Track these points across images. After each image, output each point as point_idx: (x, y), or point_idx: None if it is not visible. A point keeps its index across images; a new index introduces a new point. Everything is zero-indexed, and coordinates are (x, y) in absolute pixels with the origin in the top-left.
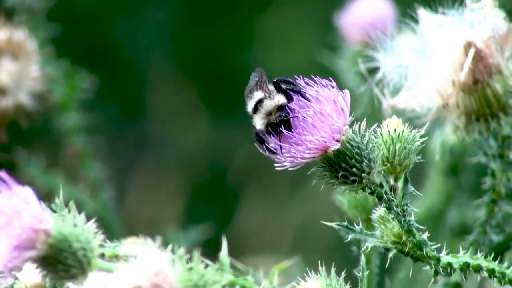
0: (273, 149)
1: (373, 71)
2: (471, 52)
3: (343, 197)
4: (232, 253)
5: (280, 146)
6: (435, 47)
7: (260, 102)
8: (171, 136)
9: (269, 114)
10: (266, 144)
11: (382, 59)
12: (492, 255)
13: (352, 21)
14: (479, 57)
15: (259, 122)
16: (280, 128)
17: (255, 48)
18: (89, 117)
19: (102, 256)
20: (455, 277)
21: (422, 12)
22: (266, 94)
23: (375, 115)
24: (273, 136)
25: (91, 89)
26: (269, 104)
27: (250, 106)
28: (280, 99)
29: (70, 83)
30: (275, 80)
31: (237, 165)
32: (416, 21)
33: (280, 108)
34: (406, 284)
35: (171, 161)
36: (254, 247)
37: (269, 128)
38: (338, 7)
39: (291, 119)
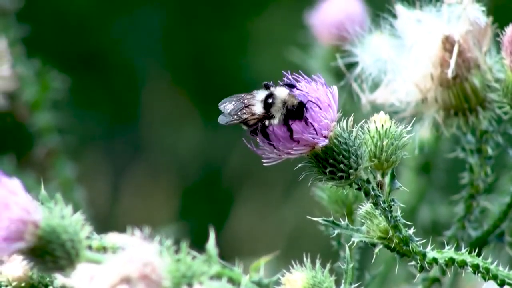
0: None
1: (350, 66)
2: (456, 48)
3: (323, 192)
4: (225, 255)
5: (291, 134)
6: (413, 42)
7: (270, 96)
8: (164, 139)
9: (284, 103)
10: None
11: (360, 54)
12: (476, 250)
13: (323, 20)
14: (457, 51)
15: (277, 115)
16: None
17: (248, 52)
18: (61, 117)
19: (89, 248)
20: (433, 272)
21: (400, 8)
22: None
23: (353, 111)
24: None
25: (62, 89)
26: (282, 92)
27: (258, 108)
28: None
29: (42, 82)
30: (266, 83)
31: (230, 167)
32: (394, 16)
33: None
34: (384, 279)
35: (165, 164)
36: (247, 249)
37: (286, 117)
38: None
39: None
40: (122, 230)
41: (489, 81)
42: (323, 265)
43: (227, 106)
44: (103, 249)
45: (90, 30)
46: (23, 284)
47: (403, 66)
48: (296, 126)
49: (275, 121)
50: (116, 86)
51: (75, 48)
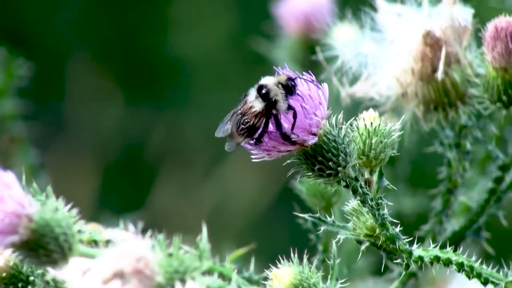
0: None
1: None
2: (444, 50)
3: (302, 185)
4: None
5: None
6: (394, 36)
7: (261, 87)
8: (87, 117)
9: (278, 83)
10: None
11: (340, 48)
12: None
13: (290, 10)
14: (437, 46)
15: (279, 98)
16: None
17: (169, 30)
18: (24, 104)
19: (80, 241)
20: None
21: (381, 1)
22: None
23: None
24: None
25: (27, 76)
26: (270, 79)
27: (257, 104)
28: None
29: (7, 69)
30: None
31: (152, 145)
32: (375, 10)
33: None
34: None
35: (87, 141)
36: (168, 227)
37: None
38: None
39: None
40: None
41: (469, 76)
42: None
43: (226, 128)
44: (94, 243)
45: (10, 7)
46: (3, 274)
47: (383, 60)
48: (286, 121)
49: (281, 105)
50: (38, 64)
51: None
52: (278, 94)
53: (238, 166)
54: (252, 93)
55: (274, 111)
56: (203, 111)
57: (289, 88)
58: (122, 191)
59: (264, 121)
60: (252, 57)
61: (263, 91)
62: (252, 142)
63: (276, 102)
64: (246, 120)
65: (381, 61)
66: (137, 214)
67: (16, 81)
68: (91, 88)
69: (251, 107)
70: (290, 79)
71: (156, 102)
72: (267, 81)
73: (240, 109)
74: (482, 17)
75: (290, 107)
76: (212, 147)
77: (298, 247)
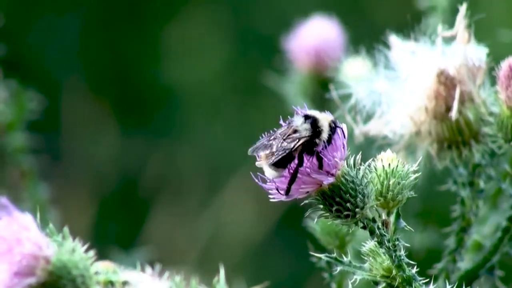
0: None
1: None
2: (458, 89)
3: (316, 223)
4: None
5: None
6: (408, 74)
7: (308, 117)
8: (82, 147)
9: (325, 119)
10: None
11: (354, 86)
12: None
13: (300, 44)
14: (451, 84)
15: (325, 129)
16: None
17: (163, 61)
18: (34, 138)
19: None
20: None
21: (394, 39)
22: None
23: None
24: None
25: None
26: (316, 113)
27: (303, 129)
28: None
29: (18, 102)
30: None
31: (147, 176)
32: (388, 48)
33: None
34: None
35: (82, 173)
36: (162, 258)
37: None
38: (245, 16)
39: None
40: None
41: (483, 114)
42: (237, 276)
43: (259, 148)
44: (110, 284)
45: (7, 37)
46: None
47: (397, 98)
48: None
49: (325, 135)
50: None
51: None
52: (324, 125)
53: (233, 197)
54: (298, 119)
55: (317, 140)
56: (198, 141)
57: (331, 127)
58: (117, 222)
59: (301, 149)
60: (247, 87)
61: (312, 118)
62: (274, 171)
63: (320, 132)
64: (285, 144)
65: (394, 99)
66: (142, 249)
67: (27, 114)
68: (86, 118)
69: (295, 131)
70: (333, 121)
71: (151, 132)
72: (315, 113)
73: (280, 134)
74: (496, 55)
75: (330, 140)
76: (207, 177)
77: (294, 278)
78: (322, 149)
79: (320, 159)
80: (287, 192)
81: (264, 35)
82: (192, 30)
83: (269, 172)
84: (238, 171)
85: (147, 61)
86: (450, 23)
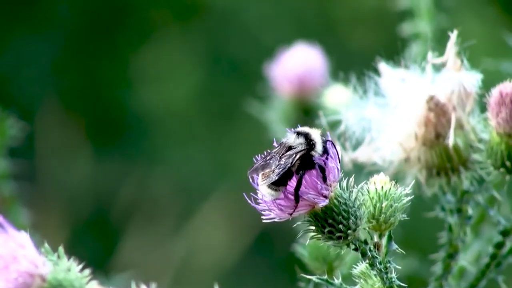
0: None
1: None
2: (453, 115)
3: (304, 248)
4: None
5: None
6: (397, 101)
7: (300, 133)
8: (55, 173)
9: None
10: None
11: (344, 112)
12: None
13: (283, 72)
14: (441, 111)
15: (318, 142)
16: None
17: (136, 85)
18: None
19: None
20: None
21: (383, 66)
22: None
23: None
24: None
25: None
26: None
27: (298, 144)
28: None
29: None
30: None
31: (120, 200)
32: (379, 75)
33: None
34: None
35: (55, 197)
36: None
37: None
38: (218, 41)
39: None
40: None
41: (472, 141)
42: None
43: (262, 170)
44: None
45: None
46: None
47: (387, 124)
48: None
49: (319, 147)
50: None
51: None
52: (316, 138)
53: (206, 221)
54: (291, 136)
55: (313, 152)
56: (171, 165)
57: (324, 140)
58: (90, 246)
59: (299, 163)
60: (220, 112)
61: (304, 133)
62: (273, 190)
63: (314, 145)
64: (283, 161)
65: (384, 126)
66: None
67: (8, 141)
68: (60, 143)
69: (290, 148)
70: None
71: (125, 155)
72: (305, 128)
73: (275, 153)
74: (485, 82)
75: (325, 151)
76: (180, 200)
77: None
78: (324, 159)
79: (323, 170)
80: (297, 199)
81: (237, 60)
82: (165, 54)
83: (267, 192)
84: (211, 195)
85: (121, 85)
86: (434, 51)
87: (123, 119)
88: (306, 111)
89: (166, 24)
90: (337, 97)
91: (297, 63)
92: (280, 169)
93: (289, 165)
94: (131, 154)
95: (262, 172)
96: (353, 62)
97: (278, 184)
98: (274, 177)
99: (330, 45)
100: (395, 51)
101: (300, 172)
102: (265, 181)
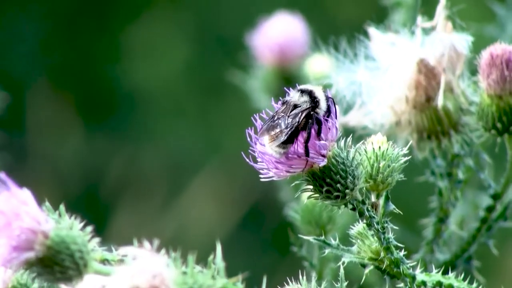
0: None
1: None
2: (443, 77)
3: (296, 213)
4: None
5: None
6: (388, 65)
7: (312, 91)
8: (46, 149)
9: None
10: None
11: (335, 77)
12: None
13: (264, 41)
14: (431, 74)
15: (321, 100)
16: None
17: (125, 61)
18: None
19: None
20: None
21: (373, 31)
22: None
23: None
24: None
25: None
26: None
27: (303, 102)
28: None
29: None
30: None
31: (111, 176)
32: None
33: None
34: None
35: (46, 173)
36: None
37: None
38: (206, 16)
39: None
40: None
41: (462, 104)
42: None
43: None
44: (106, 262)
45: None
46: None
47: (377, 88)
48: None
49: (323, 104)
50: None
51: None
52: (320, 95)
53: (197, 196)
54: (295, 95)
55: (318, 110)
56: (161, 141)
57: (327, 97)
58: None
59: (305, 122)
60: (209, 87)
61: (308, 91)
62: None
63: (318, 102)
64: (290, 119)
65: (375, 89)
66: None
67: None
68: (51, 119)
69: (295, 106)
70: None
71: (115, 131)
72: (308, 86)
73: (282, 110)
74: (475, 46)
75: (329, 109)
76: (170, 176)
77: (256, 277)
78: (325, 117)
79: (319, 124)
80: (307, 153)
81: (226, 34)
82: (154, 30)
83: (276, 151)
84: (201, 170)
85: (110, 61)
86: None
87: (113, 96)
88: (287, 79)
89: (155, 0)
90: (318, 66)
91: (278, 32)
92: (289, 129)
93: (296, 124)
94: (121, 130)
95: (268, 133)
96: (341, 34)
97: (286, 142)
98: (283, 137)
99: (316, 15)
100: (382, 22)
101: (308, 126)
102: (274, 141)
